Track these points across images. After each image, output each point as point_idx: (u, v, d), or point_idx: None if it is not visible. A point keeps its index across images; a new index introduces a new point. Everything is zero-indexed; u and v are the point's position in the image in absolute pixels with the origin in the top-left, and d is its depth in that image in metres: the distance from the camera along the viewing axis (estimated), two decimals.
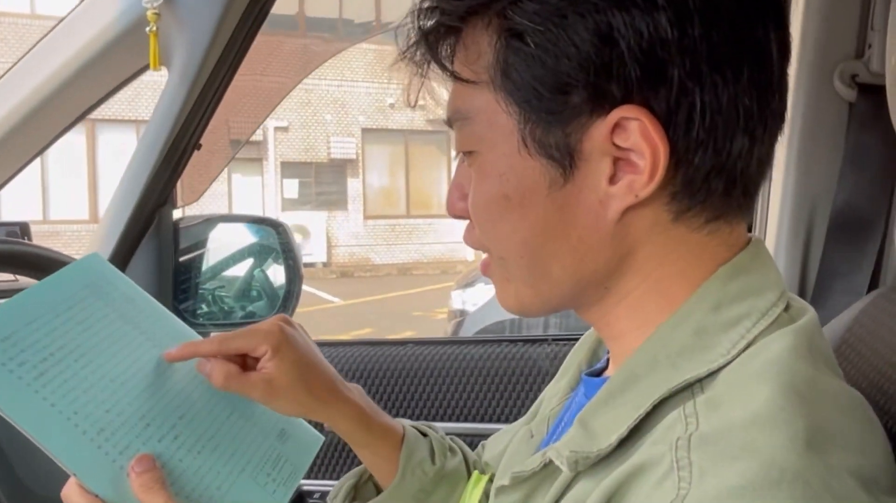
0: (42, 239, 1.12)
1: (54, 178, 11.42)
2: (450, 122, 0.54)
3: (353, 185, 13.97)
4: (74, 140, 11.43)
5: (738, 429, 0.41)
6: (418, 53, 0.52)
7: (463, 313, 4.62)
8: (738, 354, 0.47)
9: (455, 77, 0.51)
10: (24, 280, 1.04)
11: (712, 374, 0.46)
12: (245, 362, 0.66)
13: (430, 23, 0.51)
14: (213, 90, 1.10)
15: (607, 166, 0.48)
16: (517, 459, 0.62)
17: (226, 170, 12.80)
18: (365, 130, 13.97)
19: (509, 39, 0.47)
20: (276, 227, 1.32)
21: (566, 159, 0.48)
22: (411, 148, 14.35)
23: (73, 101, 1.11)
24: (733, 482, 0.38)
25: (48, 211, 11.51)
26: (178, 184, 1.20)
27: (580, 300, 0.53)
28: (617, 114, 0.46)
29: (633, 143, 0.46)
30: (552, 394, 0.67)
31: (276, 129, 13.25)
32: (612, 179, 0.48)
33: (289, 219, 12.79)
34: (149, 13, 1.01)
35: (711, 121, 0.46)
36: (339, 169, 13.88)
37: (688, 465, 0.40)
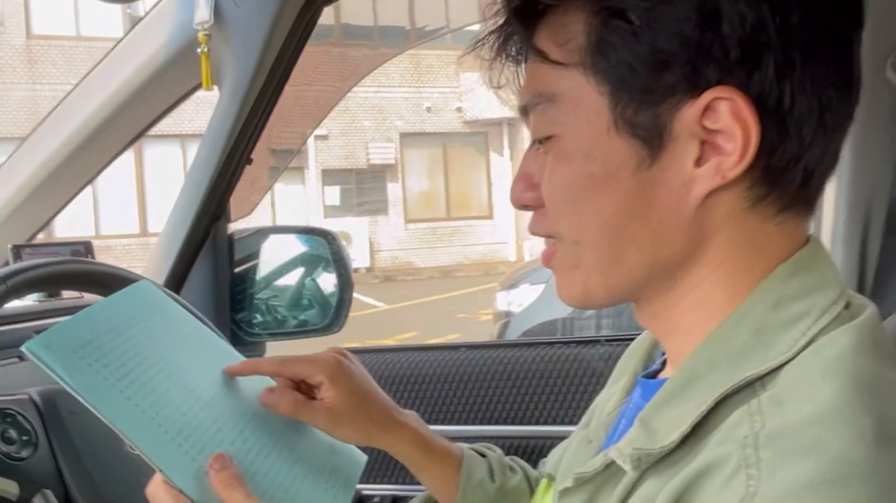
0: (95, 254, 1.17)
1: (104, 194, 11.75)
2: (526, 109, 0.54)
3: (394, 190, 14.06)
4: (122, 156, 11.72)
5: (806, 425, 0.41)
6: (504, 35, 0.53)
7: (509, 314, 4.61)
8: (800, 352, 0.46)
9: (545, 58, 0.51)
10: (88, 297, 1.09)
11: (773, 372, 0.46)
12: (301, 388, 0.69)
13: (517, 3, 0.52)
14: (263, 105, 1.13)
15: (695, 148, 0.48)
16: (577, 464, 0.62)
17: (267, 178, 13.01)
18: (403, 135, 14.04)
19: (609, 18, 0.48)
20: (326, 236, 1.34)
21: (655, 139, 0.48)
22: (449, 150, 14.38)
23: (129, 122, 1.16)
24: (803, 478, 0.38)
25: (100, 226, 11.84)
26: (232, 198, 1.24)
27: (646, 291, 0.53)
28: (710, 94, 0.46)
29: (722, 124, 0.47)
30: (607, 399, 0.67)
31: (316, 137, 13.40)
32: (699, 162, 0.48)
33: (332, 225, 12.90)
34: (200, 35, 1.05)
35: (799, 109, 0.47)
36: (379, 174, 13.99)
37: (756, 463, 0.40)
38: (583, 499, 0.53)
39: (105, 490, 0.79)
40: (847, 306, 0.49)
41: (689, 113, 0.47)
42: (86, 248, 1.17)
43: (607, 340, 1.03)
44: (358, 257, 12.98)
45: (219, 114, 1.13)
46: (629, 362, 0.68)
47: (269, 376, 0.71)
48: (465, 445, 0.77)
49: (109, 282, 0.92)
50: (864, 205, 0.86)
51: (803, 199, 0.50)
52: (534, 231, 0.56)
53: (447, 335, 7.05)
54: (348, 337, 1.30)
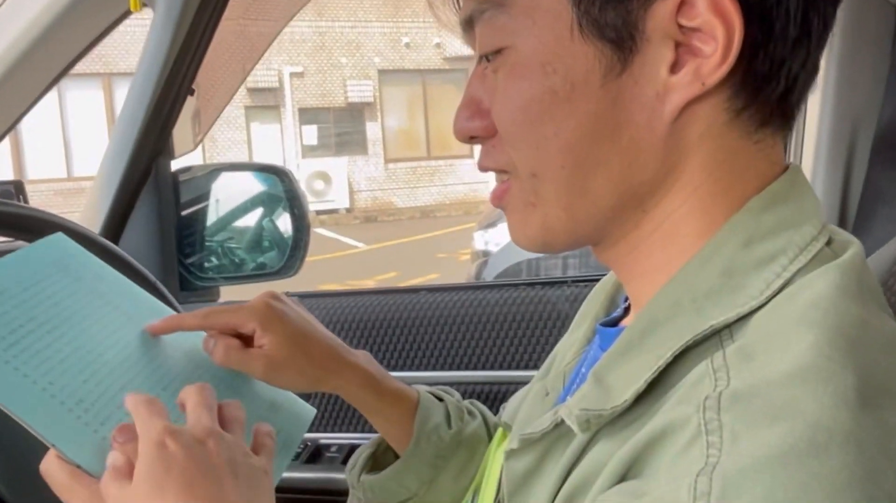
0: (67, 196, 1.08)
1: (75, 135, 11.44)
2: (470, 20, 0.46)
3: (372, 129, 13.82)
4: (93, 96, 11.39)
5: (777, 384, 0.35)
6: None
7: (486, 254, 4.57)
8: (773, 296, 0.40)
9: None
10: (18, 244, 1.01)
11: (742, 320, 0.40)
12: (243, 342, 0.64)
13: None
14: (201, 30, 1.03)
15: (669, 52, 0.41)
16: (532, 418, 0.57)
17: (243, 118, 12.75)
18: (381, 72, 13.73)
19: None
20: (280, 174, 1.26)
21: (626, 41, 0.41)
22: (429, 88, 14.10)
23: (49, 57, 1.04)
24: (773, 447, 0.32)
25: (72, 168, 11.57)
26: (174, 132, 1.14)
27: (612, 227, 0.46)
28: None
29: (701, 21, 0.40)
30: (567, 348, 0.61)
31: (292, 74, 13.07)
32: (674, 68, 0.41)
33: (309, 166, 12.78)
34: None
35: (785, 5, 0.41)
36: (358, 113, 13.72)
37: (718, 429, 0.34)
38: (531, 460, 0.48)
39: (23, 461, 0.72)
40: (829, 243, 0.43)
41: (663, 8, 0.40)
42: (16, 187, 1.07)
43: (574, 281, 0.97)
44: (337, 198, 12.85)
45: (153, 39, 1.03)
46: (590, 307, 0.62)
47: (194, 331, 0.65)
48: (421, 388, 0.73)
49: (30, 225, 0.84)
50: (849, 131, 0.79)
51: (781, 112, 0.44)
52: (484, 166, 0.49)
53: (427, 275, 7.02)
54: (326, 277, 1.23)
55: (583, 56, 0.42)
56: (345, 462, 1.02)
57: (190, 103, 1.13)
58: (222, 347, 0.63)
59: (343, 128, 13.70)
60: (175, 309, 0.90)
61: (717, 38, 0.40)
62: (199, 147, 1.21)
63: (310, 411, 0.70)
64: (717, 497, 0.32)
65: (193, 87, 1.10)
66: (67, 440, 0.51)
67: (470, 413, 0.75)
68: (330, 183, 12.72)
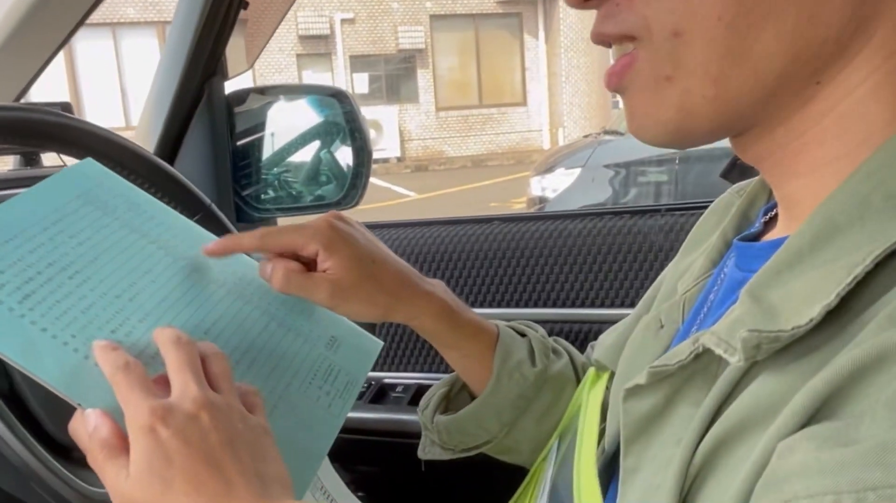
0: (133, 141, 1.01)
1: (132, 84, 11.57)
2: None
3: (424, 76, 13.60)
4: (148, 44, 11.46)
5: None
6: None
7: (543, 200, 4.45)
8: None
9: None
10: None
11: None
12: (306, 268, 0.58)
13: None
14: None
15: None
16: (644, 357, 0.48)
17: (295, 66, 12.68)
18: (433, 17, 13.43)
19: None
20: (340, 98, 1.18)
21: None
22: (482, 34, 13.75)
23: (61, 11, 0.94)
24: None
25: (129, 116, 11.73)
26: (229, 51, 1.06)
27: (772, 107, 0.36)
28: None
29: None
30: (678, 275, 0.52)
31: (343, 21, 12.91)
32: None
33: None
34: None
35: None
36: (409, 60, 13.51)
37: None
38: (658, 399, 0.39)
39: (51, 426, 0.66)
40: None
41: None
42: (63, 107, 1.01)
43: (668, 209, 0.86)
44: (388, 147, 12.78)
45: None
46: (710, 224, 0.52)
47: (251, 253, 0.59)
48: (501, 323, 0.65)
49: (75, 138, 0.77)
50: None
51: None
52: (603, 33, 0.38)
53: None
54: None
55: None
56: (411, 403, 0.95)
57: (241, 22, 1.04)
58: (282, 271, 0.56)
59: (394, 75, 13.53)
60: (229, 231, 0.83)
61: None
62: (237, 77, 1.13)
63: (375, 345, 0.63)
64: None
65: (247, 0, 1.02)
66: (94, 397, 0.44)
67: (555, 351, 0.67)
68: (381, 131, 12.64)
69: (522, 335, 0.66)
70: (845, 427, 0.27)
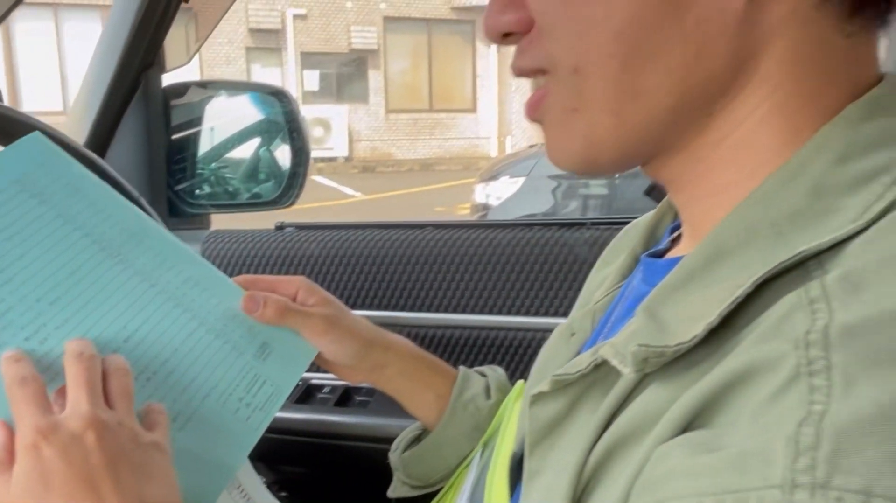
0: (63, 130, 0.99)
1: (72, 67, 11.20)
2: None
3: (375, 77, 13.57)
4: (93, 28, 11.12)
5: None
6: None
7: (487, 207, 4.50)
8: (874, 221, 0.33)
9: None
10: None
11: (835, 248, 0.33)
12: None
13: None
14: None
15: None
16: (554, 363, 0.50)
17: (244, 59, 12.48)
18: (387, 19, 13.42)
19: None
20: (280, 97, 1.17)
21: None
22: (435, 38, 13.81)
23: None
24: None
25: (68, 100, 11.34)
26: (167, 43, 1.05)
27: (670, 136, 0.38)
28: None
29: None
30: (594, 287, 0.55)
31: (295, 16, 12.77)
32: None
33: (309, 112, 12.57)
34: None
35: None
36: (361, 60, 13.45)
37: (825, 370, 0.27)
38: (561, 406, 0.41)
39: None
40: None
41: None
42: None
43: (594, 223, 0.89)
44: (336, 146, 12.69)
45: None
46: (624, 242, 0.55)
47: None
48: (463, 367, 0.70)
49: (3, 126, 0.76)
50: None
51: (876, 6, 0.36)
52: (519, 66, 0.41)
53: None
54: None
55: None
56: (338, 404, 0.96)
57: (183, 13, 1.03)
58: (278, 303, 0.59)
59: (345, 75, 13.45)
60: None
61: None
62: (174, 71, 1.12)
63: (309, 352, 0.61)
64: (828, 453, 0.25)
65: None
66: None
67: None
68: (330, 130, 12.54)
69: (483, 375, 0.69)
70: (714, 435, 0.30)
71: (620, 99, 0.37)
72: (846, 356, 0.27)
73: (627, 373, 0.36)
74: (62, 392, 0.46)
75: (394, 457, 0.70)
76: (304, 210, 1.17)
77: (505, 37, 0.41)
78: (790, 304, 0.31)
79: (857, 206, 0.33)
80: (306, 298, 0.61)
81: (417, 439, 0.69)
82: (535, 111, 0.41)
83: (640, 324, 0.37)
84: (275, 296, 0.59)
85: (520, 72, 0.41)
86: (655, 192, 0.67)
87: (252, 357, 0.57)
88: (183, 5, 1.02)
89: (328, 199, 8.68)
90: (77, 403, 0.44)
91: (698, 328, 0.33)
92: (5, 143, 0.81)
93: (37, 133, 0.56)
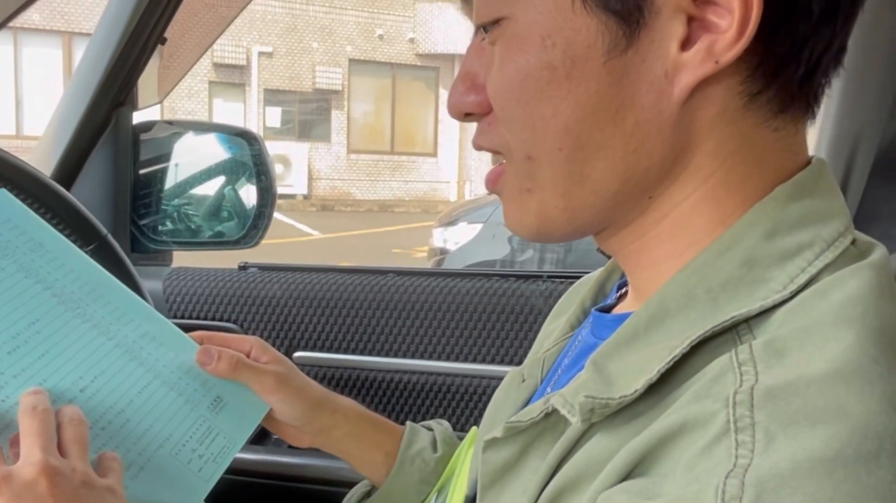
0: (27, 159, 0.99)
1: (29, 93, 11.00)
2: None
3: (338, 117, 13.67)
4: (52, 54, 10.98)
5: (818, 383, 0.31)
6: None
7: (444, 251, 4.54)
8: (798, 291, 0.37)
9: None
10: None
11: (763, 315, 0.37)
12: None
13: None
14: None
15: (680, 26, 0.37)
16: (506, 408, 0.53)
17: (206, 92, 12.45)
18: (352, 61, 13.59)
19: None
20: (249, 139, 1.20)
21: (633, 14, 0.37)
22: (399, 82, 14.01)
23: None
24: (815, 452, 0.29)
25: (22, 126, 11.12)
26: (141, 83, 1.07)
27: (614, 216, 0.43)
28: None
29: None
30: (546, 335, 0.58)
31: (261, 54, 12.84)
32: (685, 45, 0.38)
33: (270, 148, 12.46)
34: None
35: None
36: (324, 100, 13.55)
37: (749, 427, 0.31)
38: (512, 452, 0.44)
39: None
40: (853, 243, 0.40)
41: None
42: None
43: (549, 276, 0.93)
44: (295, 183, 12.67)
45: None
46: (575, 295, 0.59)
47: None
48: (410, 423, 0.72)
49: None
50: (850, 146, 0.77)
51: (804, 96, 0.40)
52: (478, 144, 0.46)
53: None
54: (277, 261, 1.17)
55: (585, 29, 0.38)
56: (292, 446, 0.96)
57: (157, 55, 1.06)
58: (231, 357, 0.61)
59: (308, 113, 13.52)
60: (125, 266, 0.83)
61: (734, 12, 0.36)
62: (145, 110, 1.14)
63: (261, 409, 0.62)
64: (749, 502, 0.28)
65: (166, 35, 1.03)
66: None
67: (461, 439, 0.72)
68: (289, 167, 12.53)
69: (430, 429, 0.71)
70: (652, 483, 0.33)
71: (568, 184, 0.41)
72: (768, 415, 0.31)
73: (575, 422, 0.39)
74: (16, 441, 0.47)
75: None
76: (260, 247, 1.19)
77: (467, 115, 0.45)
78: (721, 366, 0.35)
79: (784, 277, 0.38)
80: (259, 356, 0.64)
81: (367, 494, 0.70)
82: (493, 185, 0.46)
83: (588, 376, 0.40)
84: (229, 351, 0.61)
85: (479, 148, 0.46)
86: None
87: (206, 409, 0.58)
88: (158, 46, 1.04)
89: (285, 237, 8.63)
90: (30, 453, 0.46)
91: (639, 383, 0.37)
92: None
93: (2, 191, 0.58)
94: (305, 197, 12.91)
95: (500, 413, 0.54)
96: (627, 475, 0.34)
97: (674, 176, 0.41)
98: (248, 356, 0.63)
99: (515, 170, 0.43)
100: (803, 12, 0.37)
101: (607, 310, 0.51)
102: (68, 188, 1.04)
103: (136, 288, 0.78)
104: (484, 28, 0.43)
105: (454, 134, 14.00)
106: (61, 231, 0.76)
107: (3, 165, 0.79)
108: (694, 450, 0.32)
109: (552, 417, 0.42)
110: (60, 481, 0.45)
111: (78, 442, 0.49)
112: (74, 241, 0.68)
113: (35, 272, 0.55)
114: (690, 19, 0.37)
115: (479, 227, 4.40)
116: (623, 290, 0.52)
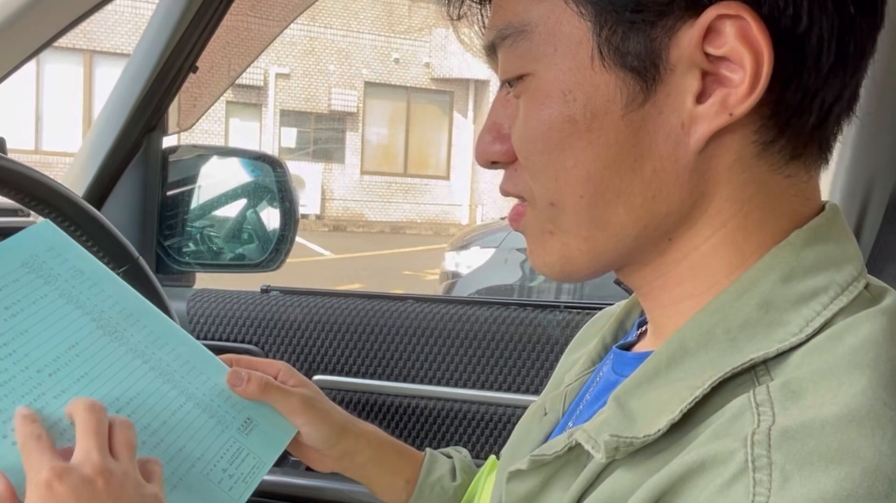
0: (60, 179, 1.02)
1: (49, 109, 11.18)
2: (493, 46, 0.45)
3: (352, 139, 13.78)
4: (73, 71, 11.17)
5: (831, 426, 0.33)
6: None
7: (456, 275, 4.55)
8: (814, 335, 0.39)
9: None
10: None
11: (780, 357, 0.39)
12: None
13: None
14: (213, 8, 1.00)
15: (695, 81, 0.40)
16: (528, 440, 0.55)
17: (223, 112, 12.61)
18: (368, 84, 13.73)
19: None
20: (273, 164, 1.23)
21: (649, 70, 0.40)
22: (413, 105, 14.14)
23: (31, 29, 0.97)
24: (828, 492, 0.30)
25: (41, 141, 11.29)
26: (171, 109, 1.11)
27: (635, 256, 0.45)
28: (713, 11, 0.38)
29: (728, 49, 0.39)
30: (566, 368, 0.60)
31: (278, 75, 13.00)
32: (700, 98, 0.40)
33: None
34: None
35: (818, 31, 0.39)
36: (339, 121, 13.68)
37: (766, 466, 0.32)
38: (535, 483, 0.45)
39: None
40: (866, 287, 0.42)
41: (689, 36, 0.39)
42: None
43: (566, 307, 0.95)
44: (309, 203, 12.76)
45: (161, 10, 0.99)
46: (595, 329, 0.60)
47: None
48: (430, 449, 0.73)
49: (3, 178, 0.79)
50: (864, 189, 0.79)
51: (816, 144, 0.42)
52: (504, 190, 0.48)
53: (391, 290, 6.97)
54: (289, 281, 1.20)
55: (604, 85, 0.41)
56: (309, 468, 0.98)
57: (190, 82, 1.09)
58: (262, 380, 0.63)
59: (323, 134, 13.64)
60: (155, 287, 0.86)
61: (745, 67, 0.38)
62: (175, 135, 1.18)
63: (289, 430, 0.64)
64: None
65: (198, 64, 1.07)
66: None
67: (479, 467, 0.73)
68: (303, 187, 12.62)
69: (449, 457, 0.72)
70: None
71: (590, 228, 0.43)
72: (784, 456, 0.33)
73: (599, 458, 0.40)
74: (65, 452, 0.49)
75: None
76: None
77: (493, 163, 0.48)
78: (740, 405, 0.36)
79: (800, 320, 0.40)
80: (286, 379, 0.66)
81: None
82: (516, 223, 0.48)
83: (611, 412, 0.42)
84: (258, 373, 0.63)
85: (506, 194, 0.49)
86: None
87: (236, 431, 0.60)
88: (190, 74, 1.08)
89: (296, 257, 8.66)
90: (88, 452, 0.48)
91: (662, 422, 0.39)
92: (7, 196, 0.84)
93: (47, 221, 0.62)
94: (318, 217, 12.99)
95: (522, 445, 0.55)
96: None
97: (692, 220, 0.42)
98: (275, 379, 0.65)
99: (538, 214, 0.45)
100: (813, 65, 0.39)
101: (628, 347, 0.53)
102: (99, 208, 1.07)
103: (165, 309, 0.80)
104: (509, 83, 0.45)
105: (467, 158, 14.07)
106: (94, 252, 0.78)
107: (40, 188, 0.81)
108: (713, 487, 0.34)
109: (575, 450, 0.43)
110: (115, 482, 0.48)
111: (128, 446, 0.51)
112: (107, 263, 0.71)
113: (76, 298, 0.58)
114: (704, 74, 0.40)
115: (491, 251, 4.42)
116: (643, 328, 0.54)
